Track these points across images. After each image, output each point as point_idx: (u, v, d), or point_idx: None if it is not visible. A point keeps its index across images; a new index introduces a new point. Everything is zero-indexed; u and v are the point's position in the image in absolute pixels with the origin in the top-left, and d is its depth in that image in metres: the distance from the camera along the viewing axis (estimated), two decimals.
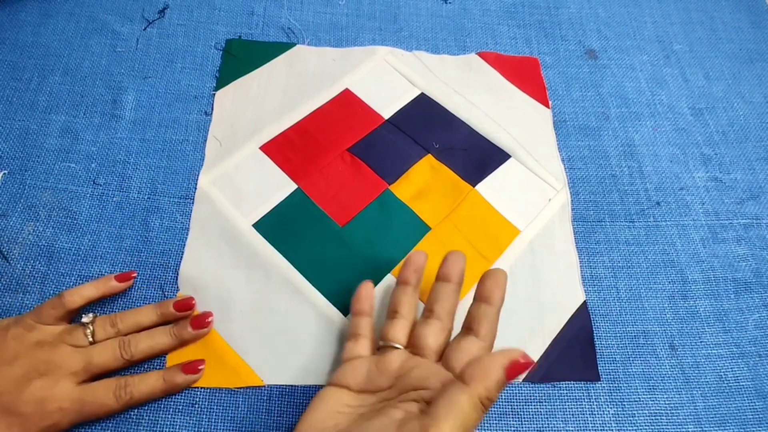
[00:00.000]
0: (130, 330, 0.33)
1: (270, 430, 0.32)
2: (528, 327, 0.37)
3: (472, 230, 0.40)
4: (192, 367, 0.33)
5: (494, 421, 0.34)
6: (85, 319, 0.32)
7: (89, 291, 0.33)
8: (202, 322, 0.34)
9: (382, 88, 0.47)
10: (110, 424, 0.32)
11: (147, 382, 0.31)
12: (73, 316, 0.33)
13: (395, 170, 0.42)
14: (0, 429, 0.28)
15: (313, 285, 0.37)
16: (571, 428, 0.34)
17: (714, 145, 0.47)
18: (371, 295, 0.34)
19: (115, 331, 0.32)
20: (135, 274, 0.36)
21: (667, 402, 0.35)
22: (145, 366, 0.34)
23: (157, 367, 0.33)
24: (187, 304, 0.34)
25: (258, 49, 0.48)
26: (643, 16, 0.55)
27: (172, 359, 0.34)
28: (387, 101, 0.46)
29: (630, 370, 0.36)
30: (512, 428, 0.34)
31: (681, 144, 0.46)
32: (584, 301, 0.38)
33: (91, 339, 0.31)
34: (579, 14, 0.54)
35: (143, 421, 0.32)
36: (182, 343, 0.34)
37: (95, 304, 0.35)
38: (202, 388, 0.33)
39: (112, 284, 0.34)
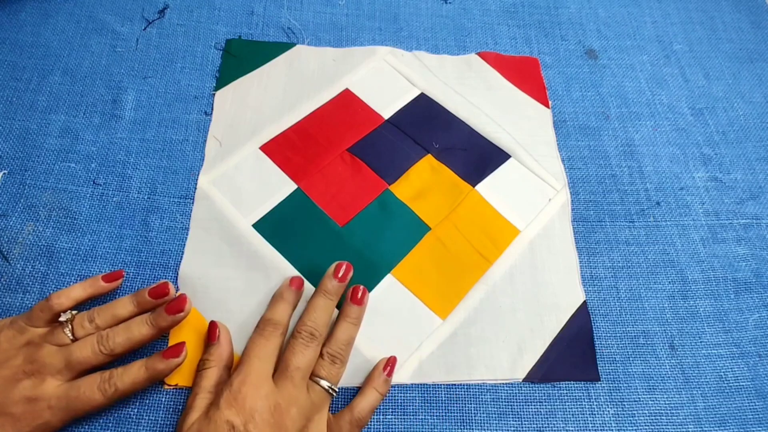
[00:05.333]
0: (109, 323, 0.33)
1: None
2: (528, 327, 0.37)
3: (472, 230, 0.40)
4: (173, 352, 0.32)
5: (494, 421, 0.34)
6: (62, 318, 0.32)
7: (77, 292, 0.33)
8: (176, 306, 0.33)
9: (382, 88, 0.47)
10: (110, 424, 0.32)
11: (130, 373, 0.31)
12: None
13: (395, 170, 0.42)
14: None
15: (313, 285, 0.37)
16: (571, 428, 0.34)
17: (714, 145, 0.47)
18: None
19: (93, 326, 0.32)
20: (123, 274, 0.36)
21: (667, 402, 0.35)
22: (134, 357, 0.33)
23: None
24: (161, 291, 0.34)
25: (258, 49, 0.48)
26: (643, 16, 0.55)
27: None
28: (387, 101, 0.46)
29: (630, 370, 0.36)
30: (512, 428, 0.34)
31: (681, 144, 0.46)
32: (584, 301, 0.38)
33: (71, 337, 0.31)
34: (579, 14, 0.54)
35: (143, 421, 0.32)
36: (161, 331, 0.33)
37: (92, 304, 0.35)
38: None
39: (100, 285, 0.34)
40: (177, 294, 0.34)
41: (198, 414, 0.30)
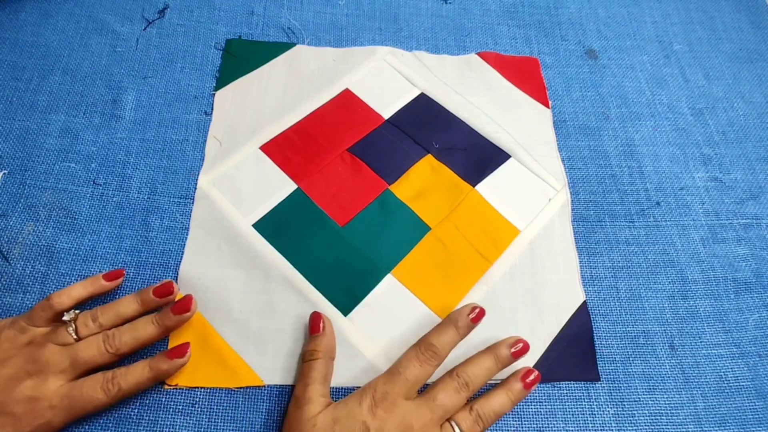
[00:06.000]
0: (112, 322, 0.33)
1: (270, 430, 0.32)
2: (528, 327, 0.37)
3: (472, 230, 0.40)
4: (177, 352, 0.32)
5: None
6: (66, 317, 0.32)
7: (78, 291, 0.33)
8: (183, 306, 0.33)
9: (382, 88, 0.47)
10: (110, 424, 0.32)
11: (134, 373, 0.31)
12: None
13: (395, 170, 0.42)
14: None
15: (313, 285, 0.37)
16: (571, 428, 0.34)
17: (714, 145, 0.47)
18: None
19: (97, 325, 0.32)
20: (124, 272, 0.36)
21: (667, 402, 0.35)
22: (138, 357, 0.33)
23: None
24: (166, 289, 0.34)
25: (258, 49, 0.48)
26: (643, 16, 0.55)
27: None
28: (387, 101, 0.46)
29: (630, 370, 0.36)
30: (512, 428, 0.34)
31: (681, 144, 0.46)
32: (584, 301, 0.38)
33: (75, 336, 0.31)
34: (579, 14, 0.54)
35: (143, 421, 0.32)
36: (166, 331, 0.33)
37: (93, 303, 0.35)
38: (202, 388, 0.33)
39: (100, 283, 0.34)
40: (180, 293, 0.34)
41: (319, 407, 0.30)
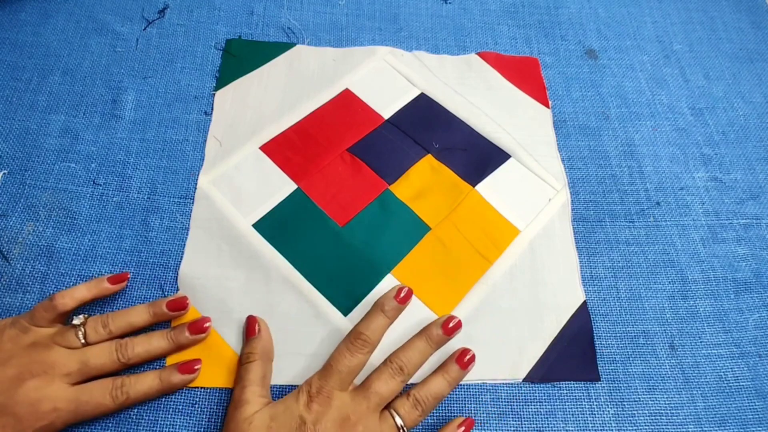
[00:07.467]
0: (122, 331, 0.33)
1: None
2: (528, 327, 0.37)
3: (472, 230, 0.40)
4: (188, 367, 0.33)
5: (494, 421, 0.34)
6: (76, 321, 0.32)
7: (81, 293, 0.33)
8: (199, 327, 0.34)
9: (382, 88, 0.47)
10: (110, 424, 0.32)
11: (143, 383, 0.31)
12: (67, 318, 0.33)
13: (395, 170, 0.42)
14: None
15: (313, 285, 0.37)
16: (571, 428, 0.34)
17: (714, 145, 0.47)
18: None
19: (107, 332, 0.32)
20: (128, 276, 0.36)
21: (667, 402, 0.35)
22: (142, 366, 0.34)
23: (155, 367, 0.33)
24: (180, 304, 0.34)
25: (258, 49, 0.48)
26: (643, 16, 0.55)
27: (172, 359, 0.34)
28: (387, 101, 0.46)
29: (630, 370, 0.36)
30: (512, 428, 0.34)
31: (681, 144, 0.46)
32: (584, 301, 0.38)
33: (83, 341, 0.31)
34: (579, 14, 0.54)
35: (143, 420, 0.32)
36: (179, 348, 0.33)
37: (94, 304, 0.35)
38: (202, 388, 0.33)
39: (104, 286, 0.34)
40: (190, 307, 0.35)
41: (256, 407, 0.30)
